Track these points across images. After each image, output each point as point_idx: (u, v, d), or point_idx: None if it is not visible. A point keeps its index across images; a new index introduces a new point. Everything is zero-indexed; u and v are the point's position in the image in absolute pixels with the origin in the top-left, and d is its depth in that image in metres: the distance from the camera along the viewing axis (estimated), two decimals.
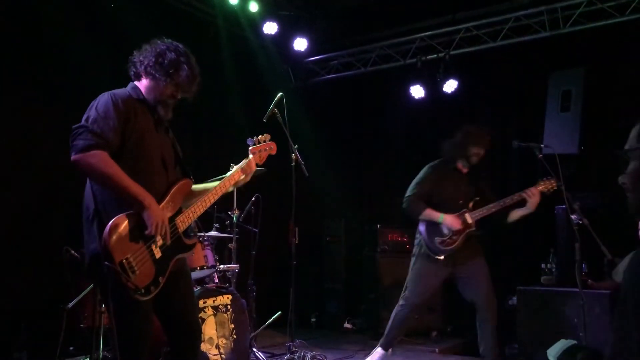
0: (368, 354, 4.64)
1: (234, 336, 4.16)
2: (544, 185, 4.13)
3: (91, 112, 2.50)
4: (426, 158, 4.70)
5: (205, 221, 4.65)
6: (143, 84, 2.72)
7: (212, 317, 4.02)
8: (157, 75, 2.67)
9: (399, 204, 4.20)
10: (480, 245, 4.42)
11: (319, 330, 6.86)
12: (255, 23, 6.46)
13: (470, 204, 4.36)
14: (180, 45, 2.84)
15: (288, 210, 4.59)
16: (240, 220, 4.88)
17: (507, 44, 6.29)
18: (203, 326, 3.93)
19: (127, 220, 2.40)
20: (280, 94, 4.35)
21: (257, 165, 3.11)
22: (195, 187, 2.85)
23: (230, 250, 4.79)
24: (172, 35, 5.81)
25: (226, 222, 4.88)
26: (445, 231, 4.30)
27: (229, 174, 2.98)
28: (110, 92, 2.60)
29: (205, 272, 4.32)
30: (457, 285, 4.42)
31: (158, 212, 2.45)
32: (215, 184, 2.91)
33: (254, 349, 4.63)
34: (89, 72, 5.12)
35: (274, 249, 6.58)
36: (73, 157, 2.40)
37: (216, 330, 4.04)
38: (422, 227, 4.41)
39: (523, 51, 6.35)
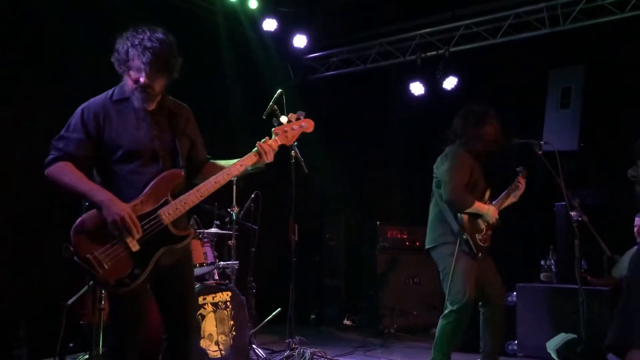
0: (367, 351, 4.61)
1: (234, 333, 4.16)
2: (523, 174, 4.09)
3: (65, 127, 2.72)
4: (426, 154, 4.65)
5: (205, 218, 4.66)
6: (125, 78, 2.82)
7: (211, 314, 4.02)
8: (121, 69, 2.81)
9: (399, 200, 4.20)
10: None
11: (318, 326, 6.87)
12: (254, 20, 6.46)
13: (488, 194, 4.10)
14: (131, 31, 2.88)
15: (288, 207, 4.60)
16: (240, 217, 4.88)
17: (506, 40, 6.28)
18: (203, 323, 3.94)
19: (96, 217, 2.51)
20: (279, 90, 4.34)
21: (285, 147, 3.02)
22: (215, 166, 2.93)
23: (229, 247, 4.79)
24: (172, 31, 5.81)
25: (226, 219, 4.89)
26: (483, 225, 3.96)
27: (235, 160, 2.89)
28: (83, 105, 2.79)
29: (205, 269, 4.32)
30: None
31: (115, 209, 2.48)
32: (228, 162, 2.89)
33: (254, 346, 4.63)
34: (88, 71, 5.12)
35: (274, 246, 6.59)
36: (45, 172, 2.63)
37: (216, 327, 4.04)
38: (462, 223, 3.91)
39: (523, 48, 6.34)
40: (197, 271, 4.29)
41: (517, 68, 6.53)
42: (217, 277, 4.52)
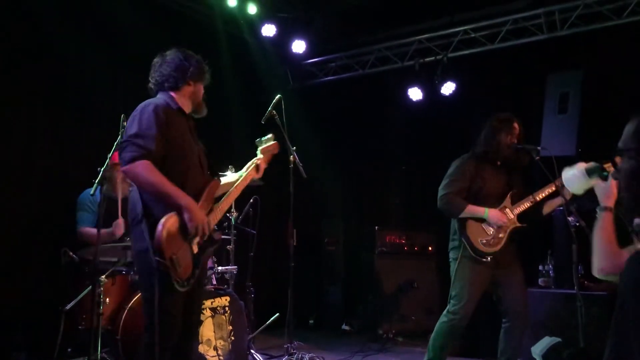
0: (366, 356, 4.61)
1: (232, 338, 4.16)
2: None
3: (135, 125, 2.75)
4: (425, 159, 4.66)
5: None
6: (177, 93, 3.02)
7: (210, 319, 4.03)
8: (188, 82, 3.03)
9: (397, 205, 4.20)
10: (517, 250, 4.12)
11: (317, 331, 6.86)
12: (253, 25, 6.48)
13: (508, 199, 4.05)
14: (183, 50, 3.16)
15: (286, 212, 4.61)
16: (239, 221, 4.89)
17: (504, 46, 6.31)
18: (201, 328, 3.94)
19: (175, 219, 2.67)
20: (278, 95, 4.36)
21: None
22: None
23: (228, 252, 4.79)
24: (171, 37, 5.83)
25: (224, 224, 4.89)
26: (490, 229, 3.95)
27: (244, 171, 3.30)
28: (151, 103, 2.88)
29: None
30: (493, 290, 4.03)
31: (198, 213, 2.74)
32: (234, 178, 3.26)
33: (252, 351, 4.63)
34: (88, 76, 5.14)
35: (272, 251, 6.60)
36: (122, 168, 2.70)
37: (214, 332, 4.04)
38: (463, 227, 3.95)
39: (521, 53, 6.36)
40: None
41: (515, 73, 6.54)
42: (215, 282, 4.53)
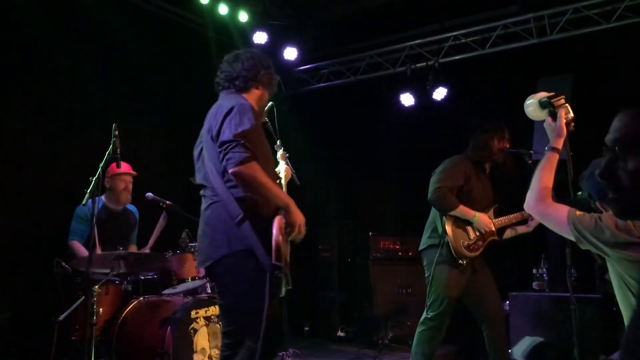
0: None
1: None
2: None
3: (236, 123, 2.63)
4: (417, 164, 4.66)
5: (196, 231, 4.64)
6: (250, 95, 2.94)
7: (204, 328, 4.00)
8: (264, 85, 2.97)
9: (391, 211, 4.20)
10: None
11: (312, 338, 6.84)
12: (245, 33, 6.48)
13: (492, 210, 4.09)
14: (260, 52, 3.09)
15: None
16: None
17: (495, 51, 6.34)
18: (195, 337, 3.92)
19: (282, 220, 2.62)
20: (270, 103, 4.34)
21: None
22: None
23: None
24: (162, 46, 5.84)
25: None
26: (472, 234, 3.95)
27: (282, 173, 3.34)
28: (245, 104, 2.75)
29: (197, 282, 4.30)
30: (466, 295, 4.02)
31: (299, 213, 2.69)
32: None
33: None
34: (81, 83, 5.13)
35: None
36: (232, 168, 2.57)
37: (209, 340, 4.02)
38: (447, 228, 3.91)
39: (511, 58, 6.40)
40: (190, 285, 4.28)
41: (506, 78, 6.57)
42: (209, 291, 4.51)
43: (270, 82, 2.99)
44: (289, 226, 2.65)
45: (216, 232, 2.69)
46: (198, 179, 2.87)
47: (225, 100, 2.84)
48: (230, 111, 2.68)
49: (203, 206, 2.83)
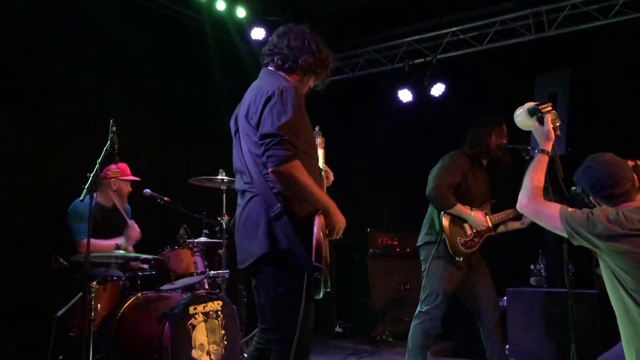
0: (360, 358, 4.60)
1: (225, 342, 4.15)
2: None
3: (278, 114, 2.40)
4: (415, 160, 4.66)
5: (194, 227, 4.65)
6: (296, 77, 2.68)
7: (202, 324, 4.01)
8: (315, 72, 2.69)
9: (389, 207, 4.20)
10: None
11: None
12: (242, 29, 6.47)
13: (488, 206, 4.10)
14: (316, 37, 2.72)
15: None
16: (230, 225, 4.87)
17: (493, 47, 6.35)
18: (194, 333, 3.93)
19: (323, 220, 2.47)
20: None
21: None
22: None
23: (220, 256, 4.78)
24: (160, 41, 5.81)
25: (216, 228, 4.87)
26: (469, 231, 3.97)
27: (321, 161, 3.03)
28: (287, 85, 2.49)
29: (195, 278, 4.31)
30: (462, 290, 4.04)
31: (340, 215, 2.57)
32: None
33: (245, 355, 4.61)
34: (77, 80, 5.11)
35: None
36: (273, 168, 2.36)
37: (207, 336, 4.02)
38: (444, 224, 3.91)
39: (509, 54, 6.40)
40: (188, 281, 4.28)
41: (504, 74, 6.59)
42: (207, 287, 4.51)
43: (312, 69, 2.65)
44: (328, 228, 2.51)
45: (257, 228, 2.48)
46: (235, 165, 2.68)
47: (264, 82, 2.59)
48: (270, 97, 2.43)
49: (241, 200, 2.61)
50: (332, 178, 3.10)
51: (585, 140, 5.76)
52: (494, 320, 3.97)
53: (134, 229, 4.45)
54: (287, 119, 2.38)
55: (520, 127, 2.90)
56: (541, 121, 2.73)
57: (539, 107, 2.73)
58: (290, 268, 2.42)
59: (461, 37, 6.49)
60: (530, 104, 2.78)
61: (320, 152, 3.04)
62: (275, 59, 2.67)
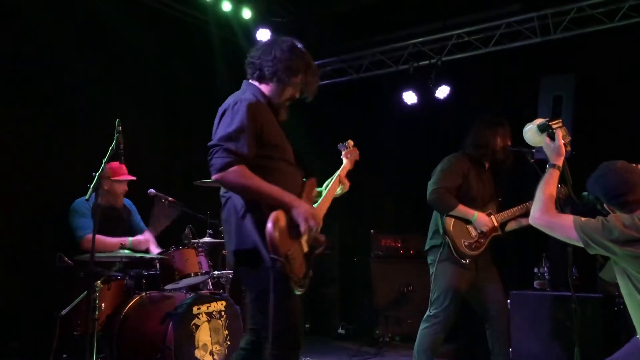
0: (362, 359, 4.59)
1: (228, 342, 4.15)
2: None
3: (225, 125, 2.55)
4: (419, 163, 4.65)
5: (198, 227, 4.66)
6: (266, 86, 2.79)
7: (206, 324, 4.02)
8: (285, 80, 2.75)
9: (392, 209, 4.19)
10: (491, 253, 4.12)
11: (313, 335, 6.85)
12: (248, 30, 6.48)
13: (493, 205, 4.09)
14: (299, 45, 2.83)
15: None
16: None
17: (498, 49, 6.33)
18: (197, 333, 3.94)
19: (284, 215, 2.49)
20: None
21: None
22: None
23: (224, 257, 4.79)
24: (165, 42, 5.83)
25: (220, 228, 4.88)
26: (474, 232, 3.94)
27: (337, 175, 3.25)
28: (242, 99, 2.61)
29: (199, 278, 4.31)
30: (470, 294, 4.00)
31: (304, 207, 2.56)
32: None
33: None
34: (83, 79, 5.13)
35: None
36: (213, 176, 2.51)
37: (210, 336, 4.03)
38: (448, 226, 3.90)
39: (514, 57, 6.39)
40: (191, 280, 4.29)
41: (509, 77, 6.58)
42: (211, 287, 4.52)
43: (285, 78, 2.73)
44: (296, 222, 2.52)
45: (231, 229, 2.62)
46: None
47: (235, 94, 2.73)
48: (225, 111, 2.61)
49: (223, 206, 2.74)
50: (347, 188, 3.35)
51: (591, 143, 5.76)
52: (502, 324, 3.94)
53: (145, 242, 4.47)
54: (230, 129, 2.51)
55: (529, 142, 2.94)
56: (552, 137, 2.75)
57: (550, 124, 2.77)
58: (262, 267, 2.47)
59: (466, 39, 6.48)
60: (540, 121, 2.82)
61: (345, 162, 3.38)
62: (250, 70, 2.80)
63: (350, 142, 3.51)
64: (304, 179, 2.86)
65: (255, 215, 2.51)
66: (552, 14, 5.93)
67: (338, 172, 3.25)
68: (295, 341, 2.55)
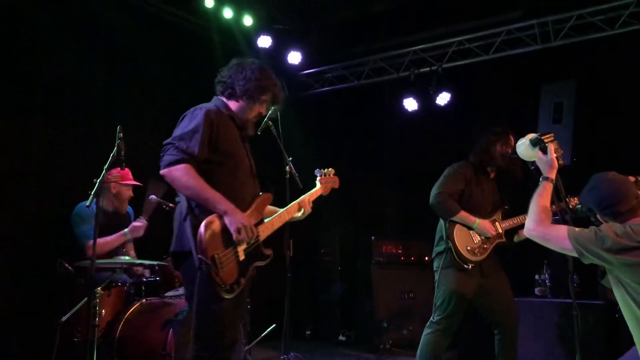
0: None
1: None
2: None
3: (181, 127, 2.74)
4: (420, 169, 4.66)
5: None
6: (235, 103, 2.97)
7: None
8: (255, 98, 2.94)
9: (393, 215, 4.19)
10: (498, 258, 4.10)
11: (313, 342, 6.84)
12: (249, 37, 6.51)
13: (499, 213, 4.09)
14: (267, 69, 3.05)
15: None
16: None
17: (499, 56, 6.34)
18: None
19: (219, 220, 2.64)
20: (273, 107, 4.36)
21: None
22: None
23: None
24: (167, 49, 5.85)
25: None
26: (477, 238, 3.95)
27: (300, 199, 3.30)
28: (202, 106, 2.82)
29: None
30: (477, 301, 3.97)
31: (239, 216, 2.67)
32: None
33: None
34: (85, 86, 5.15)
35: (269, 261, 6.58)
36: (161, 171, 2.67)
37: None
38: (451, 231, 3.90)
39: (515, 64, 6.40)
40: None
41: (510, 84, 6.59)
42: None
43: (255, 97, 2.94)
44: (234, 231, 2.64)
45: (174, 230, 2.79)
46: None
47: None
48: (185, 115, 2.78)
49: None
50: (307, 212, 3.35)
51: (591, 150, 5.77)
52: (512, 331, 3.91)
53: (142, 227, 4.44)
54: (185, 130, 2.69)
55: (522, 157, 2.99)
56: (544, 151, 2.82)
57: (542, 138, 2.84)
58: (191, 268, 2.60)
59: (467, 46, 6.49)
60: (532, 135, 2.89)
61: (318, 187, 3.45)
62: (221, 88, 2.99)
63: (331, 170, 3.60)
64: (260, 193, 2.99)
65: (194, 219, 2.63)
66: (553, 21, 5.95)
67: (305, 195, 3.33)
68: (217, 341, 2.66)
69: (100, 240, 3.94)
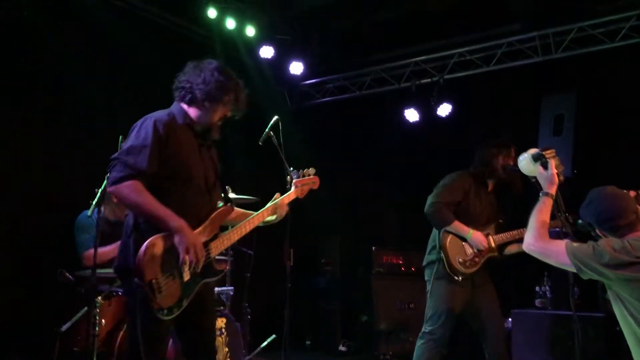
0: None
1: (229, 359, 4.13)
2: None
3: (129, 141, 2.60)
4: (420, 180, 4.66)
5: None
6: (196, 110, 2.83)
7: None
8: (218, 99, 2.79)
9: (394, 225, 4.19)
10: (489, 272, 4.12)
11: (314, 352, 6.82)
12: (251, 47, 6.54)
13: (493, 226, 4.10)
14: (226, 68, 2.92)
15: (283, 233, 4.59)
16: (235, 242, 4.87)
17: (500, 68, 6.37)
18: None
19: (162, 241, 2.49)
20: (276, 117, 4.37)
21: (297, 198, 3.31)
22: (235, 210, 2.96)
23: (224, 273, 4.78)
24: (169, 59, 5.87)
25: None
26: (469, 250, 3.95)
27: (268, 204, 3.15)
28: (152, 116, 2.68)
29: None
30: (467, 312, 4.00)
31: (189, 237, 2.52)
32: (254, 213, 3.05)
33: None
34: (86, 96, 5.17)
35: (269, 271, 6.56)
36: (108, 188, 2.57)
37: None
38: (444, 241, 3.92)
39: (516, 76, 6.43)
40: None
41: (511, 95, 6.60)
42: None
43: (218, 98, 2.80)
44: (181, 251, 2.51)
45: (120, 244, 2.68)
46: None
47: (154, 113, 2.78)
48: (135, 127, 2.67)
49: None
50: (282, 216, 3.25)
51: (591, 162, 5.77)
52: (498, 342, 3.92)
53: None
54: (133, 144, 2.56)
55: (523, 172, 3.01)
56: (545, 166, 2.84)
57: (544, 153, 2.87)
58: (132, 288, 2.48)
59: (468, 57, 6.52)
60: (533, 151, 2.92)
61: (292, 190, 3.26)
62: (181, 93, 2.84)
63: (312, 170, 3.38)
64: (219, 205, 2.85)
65: (139, 237, 2.50)
66: (554, 33, 5.98)
67: (278, 199, 3.18)
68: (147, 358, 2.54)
69: (99, 250, 3.95)
